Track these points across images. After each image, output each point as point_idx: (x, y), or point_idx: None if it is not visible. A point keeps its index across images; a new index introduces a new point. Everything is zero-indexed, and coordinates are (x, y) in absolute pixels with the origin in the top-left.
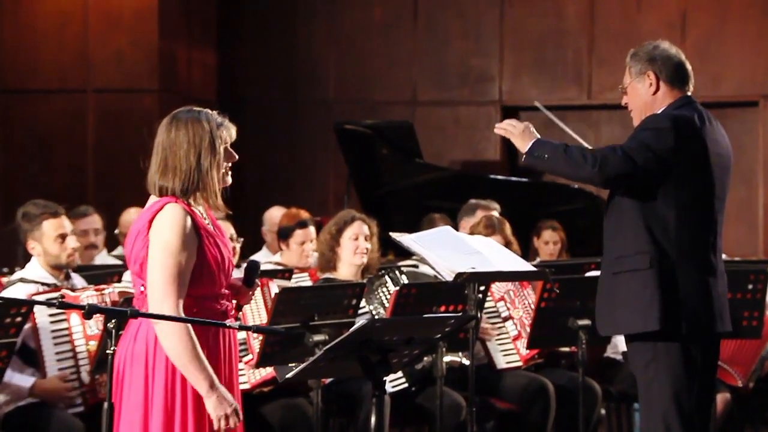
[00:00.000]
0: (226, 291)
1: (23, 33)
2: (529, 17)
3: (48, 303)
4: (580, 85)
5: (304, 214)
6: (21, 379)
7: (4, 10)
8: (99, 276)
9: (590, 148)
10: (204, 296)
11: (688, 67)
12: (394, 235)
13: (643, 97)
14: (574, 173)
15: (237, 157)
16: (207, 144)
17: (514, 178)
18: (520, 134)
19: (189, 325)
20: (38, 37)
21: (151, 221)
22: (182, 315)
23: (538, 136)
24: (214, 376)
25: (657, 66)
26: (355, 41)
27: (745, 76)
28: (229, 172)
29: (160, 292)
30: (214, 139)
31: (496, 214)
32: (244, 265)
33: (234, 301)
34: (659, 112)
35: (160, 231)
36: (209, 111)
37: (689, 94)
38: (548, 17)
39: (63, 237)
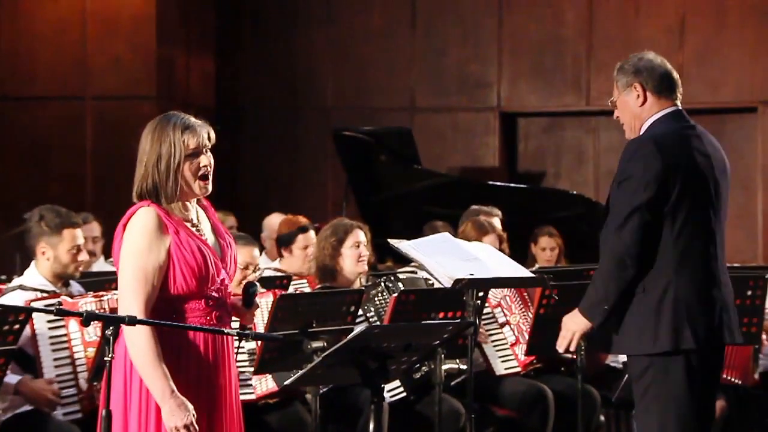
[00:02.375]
0: (215, 295)
1: (21, 40)
2: (528, 23)
3: (46, 310)
4: (578, 91)
5: (303, 220)
6: (8, 377)
7: (3, 17)
8: (98, 283)
9: (608, 253)
10: (179, 299)
11: (675, 75)
12: (393, 241)
13: (632, 109)
14: (628, 278)
15: (208, 160)
16: (166, 148)
17: (512, 185)
18: (579, 331)
19: (151, 329)
20: (36, 43)
21: (125, 225)
22: (148, 318)
23: (578, 311)
24: (173, 385)
25: (643, 77)
26: (354, 48)
27: (743, 82)
28: (208, 179)
29: (127, 294)
30: (174, 144)
31: (497, 220)
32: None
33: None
34: (643, 131)
35: (128, 234)
36: (181, 115)
37: (678, 103)
38: (547, 23)
39: (78, 249)
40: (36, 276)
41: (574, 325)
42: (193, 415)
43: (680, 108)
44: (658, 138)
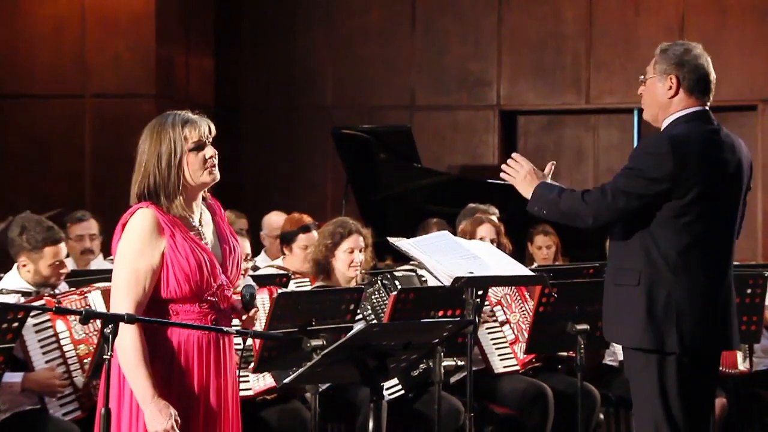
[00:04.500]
0: (211, 299)
1: (20, 38)
2: (528, 21)
3: (45, 308)
4: (578, 90)
5: (307, 219)
6: (9, 376)
7: (2, 15)
8: (89, 281)
9: (581, 193)
10: (173, 302)
11: (713, 77)
12: (392, 240)
13: (660, 97)
14: (573, 225)
15: (213, 151)
16: (167, 146)
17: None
18: (522, 180)
19: (139, 332)
20: (35, 42)
21: (123, 226)
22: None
23: (539, 182)
24: (154, 390)
25: (683, 72)
26: (354, 46)
27: (743, 80)
28: (212, 169)
29: (118, 295)
30: (174, 141)
31: (494, 218)
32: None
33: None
34: (665, 125)
35: (124, 235)
36: (179, 112)
37: (707, 104)
38: (546, 21)
39: (60, 263)
40: (16, 279)
41: (522, 186)
42: (176, 420)
43: (706, 109)
44: (678, 140)
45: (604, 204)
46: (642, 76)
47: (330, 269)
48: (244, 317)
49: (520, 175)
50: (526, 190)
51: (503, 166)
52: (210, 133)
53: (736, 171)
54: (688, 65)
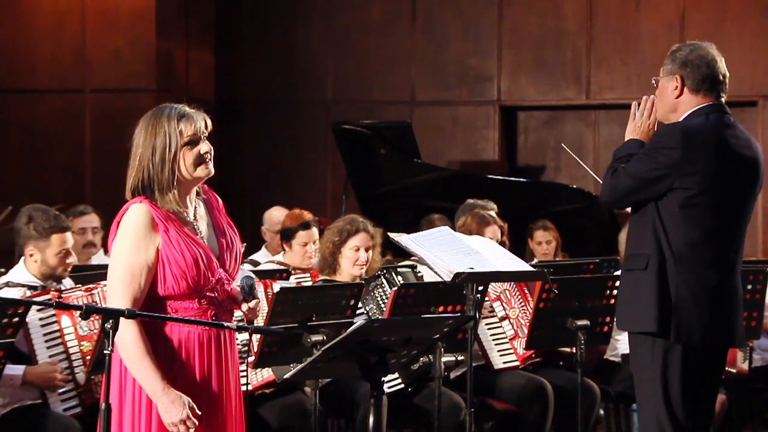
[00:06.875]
0: (210, 294)
1: (20, 32)
2: (528, 17)
3: (46, 303)
4: (578, 85)
5: (308, 215)
6: (11, 369)
7: (2, 10)
8: (93, 277)
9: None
10: (171, 298)
11: (721, 76)
12: (393, 235)
13: (668, 97)
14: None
15: (208, 146)
16: (161, 140)
17: (512, 178)
18: (632, 127)
19: (140, 327)
20: (35, 36)
21: (119, 223)
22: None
23: (637, 139)
24: (163, 382)
25: (686, 72)
26: (354, 41)
27: (743, 76)
28: (206, 164)
29: (114, 292)
30: (169, 135)
31: (493, 214)
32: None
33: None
34: (677, 121)
35: (119, 231)
36: (175, 105)
37: (720, 99)
38: (547, 17)
39: (66, 252)
40: (23, 273)
41: (630, 127)
42: (191, 408)
43: (720, 103)
44: (688, 131)
45: (610, 183)
46: (654, 79)
47: (336, 265)
48: (244, 308)
49: (637, 123)
50: (626, 135)
51: (645, 98)
52: (206, 128)
53: (750, 167)
54: (691, 65)
